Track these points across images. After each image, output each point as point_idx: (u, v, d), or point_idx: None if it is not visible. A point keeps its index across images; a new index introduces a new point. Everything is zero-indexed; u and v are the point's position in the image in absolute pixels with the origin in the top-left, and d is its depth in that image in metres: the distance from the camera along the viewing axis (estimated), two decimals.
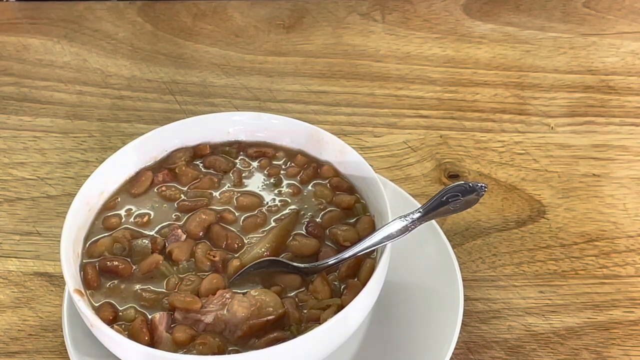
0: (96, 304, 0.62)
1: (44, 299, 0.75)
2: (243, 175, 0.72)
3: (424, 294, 0.70)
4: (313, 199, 0.69)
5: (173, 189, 0.70)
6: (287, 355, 0.57)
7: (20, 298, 0.75)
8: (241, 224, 0.67)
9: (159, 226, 0.68)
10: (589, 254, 0.77)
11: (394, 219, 0.64)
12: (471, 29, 1.06)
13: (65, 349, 0.66)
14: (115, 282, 0.64)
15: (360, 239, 0.64)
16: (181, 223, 0.67)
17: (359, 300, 0.58)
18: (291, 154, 0.73)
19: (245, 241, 0.66)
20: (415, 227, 0.64)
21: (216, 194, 0.70)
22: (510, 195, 0.83)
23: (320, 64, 1.01)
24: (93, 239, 0.67)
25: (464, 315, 0.67)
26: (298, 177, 0.71)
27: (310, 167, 0.71)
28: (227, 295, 0.61)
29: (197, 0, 1.12)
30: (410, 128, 0.91)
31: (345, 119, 0.93)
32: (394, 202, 0.67)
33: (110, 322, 0.61)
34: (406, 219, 0.64)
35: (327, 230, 0.67)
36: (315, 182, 0.71)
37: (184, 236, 0.66)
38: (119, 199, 0.70)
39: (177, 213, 0.69)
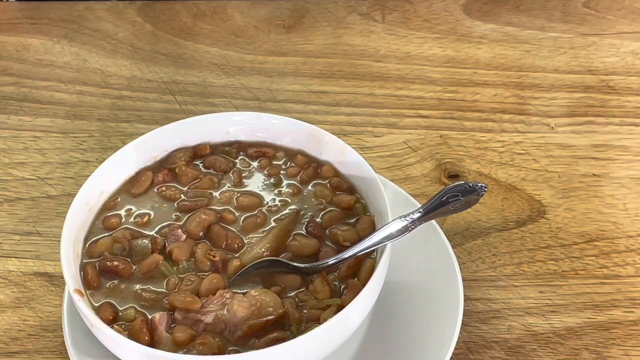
0: (96, 304, 0.62)
1: (44, 299, 0.75)
2: (243, 175, 0.72)
3: (424, 294, 0.70)
4: (313, 199, 0.69)
5: (173, 189, 0.70)
6: (287, 355, 0.57)
7: (20, 298, 0.75)
8: (241, 224, 0.67)
9: (159, 226, 0.68)
10: (589, 254, 0.77)
11: (394, 219, 0.64)
12: (471, 29, 1.06)
13: (65, 349, 0.66)
14: (115, 282, 0.64)
15: (360, 239, 0.64)
16: (181, 223, 0.67)
17: (359, 300, 0.58)
18: (291, 154, 0.73)
19: (245, 241, 0.66)
20: (415, 227, 0.64)
21: (216, 194, 0.70)
22: (510, 195, 0.83)
23: (320, 64, 1.01)
24: (93, 239, 0.67)
25: (464, 315, 0.67)
26: (298, 177, 0.71)
27: (310, 167, 0.71)
28: (227, 295, 0.61)
29: (197, 0, 1.12)
30: (410, 128, 0.91)
31: (345, 119, 0.93)
32: (394, 202, 0.68)
33: (110, 322, 0.61)
34: (406, 219, 0.64)
35: (327, 230, 0.67)
36: (315, 182, 0.71)
37: (184, 236, 0.66)
38: (119, 199, 0.70)
39: (177, 213, 0.69)
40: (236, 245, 0.66)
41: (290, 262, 0.64)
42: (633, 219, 0.80)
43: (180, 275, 0.64)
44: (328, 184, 0.71)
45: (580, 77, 0.98)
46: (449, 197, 0.66)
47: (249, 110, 0.88)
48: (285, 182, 0.71)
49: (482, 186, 0.66)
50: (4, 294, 0.76)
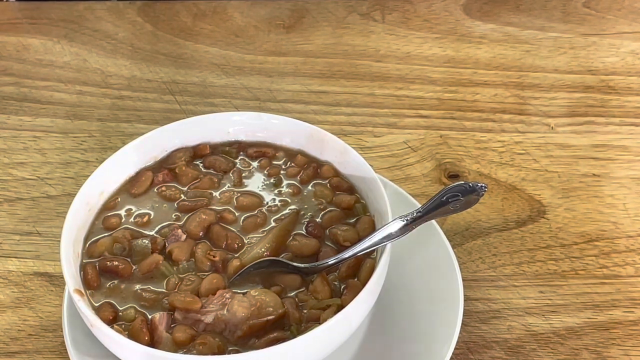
0: (96, 304, 0.62)
1: (44, 299, 0.75)
2: (243, 175, 0.72)
3: (424, 294, 0.70)
4: (313, 199, 0.69)
5: (173, 189, 0.70)
6: (287, 355, 0.57)
7: (20, 298, 0.75)
8: (241, 224, 0.67)
9: (159, 226, 0.68)
10: (589, 254, 0.77)
11: (394, 219, 0.64)
12: (471, 29, 1.06)
13: (65, 349, 0.66)
14: (115, 282, 0.64)
15: (360, 239, 0.64)
16: (181, 223, 0.67)
17: (359, 300, 0.58)
18: (291, 154, 0.73)
19: (245, 241, 0.66)
20: (415, 227, 0.64)
21: (216, 194, 0.70)
22: (510, 195, 0.83)
23: (320, 64, 1.01)
24: (93, 239, 0.67)
25: (464, 315, 0.67)
26: (298, 177, 0.71)
27: (310, 167, 0.71)
28: (227, 295, 0.61)
29: (197, 0, 1.12)
30: (410, 128, 0.91)
31: (345, 119, 0.93)
32: (394, 202, 0.67)
33: (110, 322, 0.61)
34: (406, 219, 0.64)
35: (327, 230, 0.67)
36: (315, 182, 0.71)
37: (184, 236, 0.66)
38: (119, 199, 0.70)
39: (177, 213, 0.69)
40: (236, 245, 0.66)
41: (290, 262, 0.64)
42: (633, 219, 0.80)
43: (180, 275, 0.64)
44: (328, 184, 0.71)
45: (580, 77, 0.98)
46: (449, 197, 0.66)
47: (249, 110, 0.88)
48: (285, 182, 0.71)
49: (482, 186, 0.66)
50: (4, 294, 0.76)
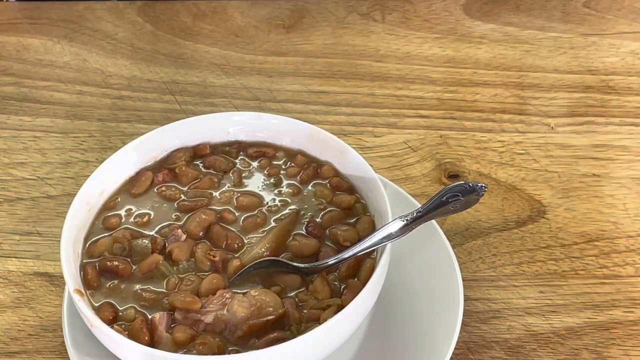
0: (96, 304, 0.62)
1: (44, 299, 0.75)
2: (243, 175, 0.72)
3: (424, 294, 0.70)
4: (313, 199, 0.69)
5: (173, 189, 0.70)
6: (287, 355, 0.57)
7: (20, 298, 0.75)
8: (241, 224, 0.67)
9: (159, 226, 0.68)
10: (589, 254, 0.77)
11: (394, 219, 0.64)
12: (471, 29, 1.06)
13: (65, 349, 0.66)
14: (115, 282, 0.64)
15: (360, 239, 0.64)
16: (181, 223, 0.67)
17: (359, 300, 0.58)
18: (291, 154, 0.73)
19: (245, 241, 0.66)
20: (415, 227, 0.64)
21: (216, 194, 0.70)
22: (510, 195, 0.83)
23: (320, 64, 1.01)
24: (93, 239, 0.67)
25: (464, 315, 0.67)
26: (298, 177, 0.71)
27: (310, 167, 0.71)
28: (227, 295, 0.61)
29: (197, 0, 1.12)
30: (410, 128, 0.91)
31: (345, 119, 0.93)
32: (394, 202, 0.67)
33: (110, 322, 0.61)
34: (406, 219, 0.64)
35: (327, 230, 0.67)
36: (315, 182, 0.71)
37: (184, 236, 0.66)
38: (119, 199, 0.70)
39: (177, 213, 0.69)
40: (236, 245, 0.66)
41: (290, 262, 0.64)
42: (633, 219, 0.80)
43: (180, 275, 0.64)
44: (328, 184, 0.71)
45: (580, 77, 0.98)
46: (449, 197, 0.66)
47: (249, 110, 0.88)
48: (285, 182, 0.71)
49: (482, 186, 0.66)
50: (4, 294, 0.76)
